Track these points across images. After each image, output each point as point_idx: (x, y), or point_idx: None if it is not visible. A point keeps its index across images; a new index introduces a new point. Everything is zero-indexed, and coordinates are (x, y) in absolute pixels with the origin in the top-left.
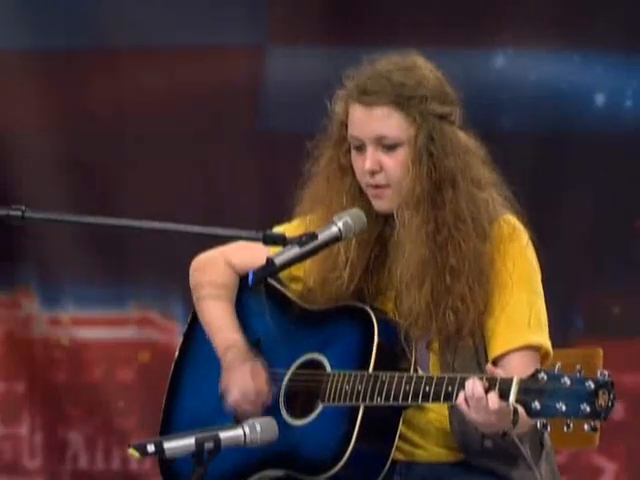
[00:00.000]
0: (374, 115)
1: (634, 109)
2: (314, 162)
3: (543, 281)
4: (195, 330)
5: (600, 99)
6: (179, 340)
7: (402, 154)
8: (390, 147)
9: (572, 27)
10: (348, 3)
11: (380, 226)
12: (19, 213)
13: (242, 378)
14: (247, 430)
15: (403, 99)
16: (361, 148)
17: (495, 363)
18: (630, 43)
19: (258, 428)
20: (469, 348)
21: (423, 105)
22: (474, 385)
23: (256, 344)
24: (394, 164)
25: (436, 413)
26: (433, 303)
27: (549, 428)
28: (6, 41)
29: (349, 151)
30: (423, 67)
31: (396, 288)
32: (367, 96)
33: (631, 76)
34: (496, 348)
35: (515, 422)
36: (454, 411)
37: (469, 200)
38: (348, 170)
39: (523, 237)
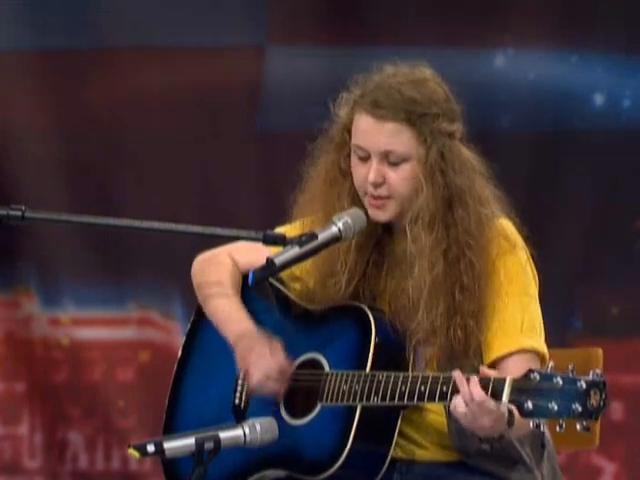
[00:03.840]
0: (384, 130)
1: (633, 109)
2: (313, 164)
3: (542, 280)
4: (198, 329)
5: (599, 99)
6: (179, 340)
7: (407, 169)
8: (396, 162)
9: (572, 27)
10: (348, 3)
11: (378, 233)
12: (19, 213)
13: (261, 358)
14: (247, 430)
15: (415, 117)
16: (364, 158)
17: (494, 370)
18: (629, 43)
19: (258, 428)
20: (467, 367)
21: (434, 124)
22: (474, 389)
23: None
24: (398, 178)
25: (436, 414)
26: (442, 321)
27: (543, 427)
28: (6, 41)
29: (350, 155)
30: (432, 81)
31: (394, 298)
32: (379, 109)
33: (630, 76)
34: (489, 355)
35: (511, 423)
36: (451, 416)
37: (476, 218)
38: (348, 174)
39: (521, 252)
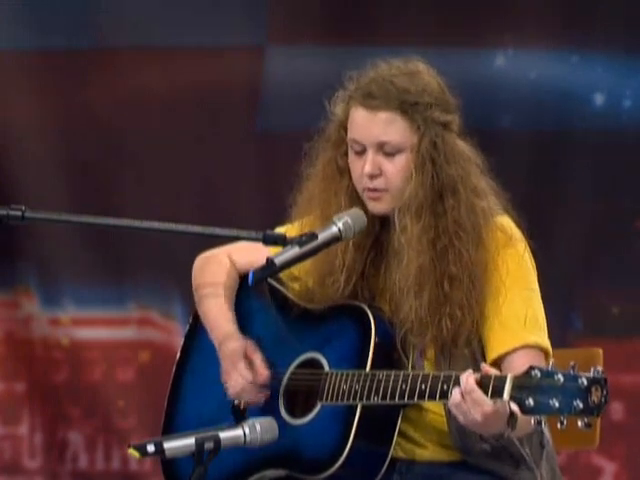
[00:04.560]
0: (378, 119)
1: (633, 109)
2: (311, 163)
3: (542, 280)
4: (196, 331)
5: (599, 99)
6: (179, 340)
7: (403, 160)
8: (391, 153)
9: (572, 27)
10: (348, 3)
11: (377, 230)
12: (19, 213)
13: (233, 373)
14: (247, 430)
15: (408, 105)
16: (361, 152)
17: (498, 367)
18: (630, 43)
19: (258, 428)
20: (465, 357)
21: (427, 112)
22: (468, 378)
23: (256, 343)
24: (394, 169)
25: (436, 414)
26: (431, 311)
27: (544, 426)
28: (6, 41)
29: (347, 153)
30: (426, 73)
31: (392, 293)
32: (372, 100)
33: (630, 76)
34: (493, 351)
35: (513, 427)
36: (451, 415)
37: (469, 208)
38: (345, 172)
39: (520, 245)
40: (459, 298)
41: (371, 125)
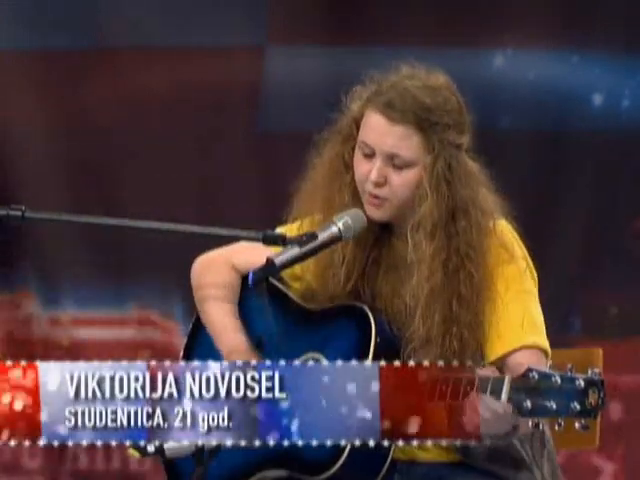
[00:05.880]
0: (393, 132)
1: (632, 109)
2: (318, 154)
3: (541, 281)
4: (198, 330)
5: (598, 99)
6: (179, 340)
7: (410, 174)
8: (400, 166)
9: (571, 27)
10: (348, 3)
11: (377, 231)
12: (19, 213)
13: None
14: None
15: (426, 124)
16: (369, 155)
17: (499, 369)
18: (629, 43)
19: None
20: None
21: (444, 134)
22: None
23: (257, 343)
24: (400, 182)
25: None
26: (438, 331)
27: (543, 426)
28: (6, 41)
29: (355, 149)
30: (447, 89)
31: (387, 299)
32: (391, 111)
33: (629, 76)
34: (492, 354)
35: (516, 428)
36: None
37: (478, 230)
38: (351, 167)
39: (521, 262)
40: (467, 318)
41: (386, 135)
